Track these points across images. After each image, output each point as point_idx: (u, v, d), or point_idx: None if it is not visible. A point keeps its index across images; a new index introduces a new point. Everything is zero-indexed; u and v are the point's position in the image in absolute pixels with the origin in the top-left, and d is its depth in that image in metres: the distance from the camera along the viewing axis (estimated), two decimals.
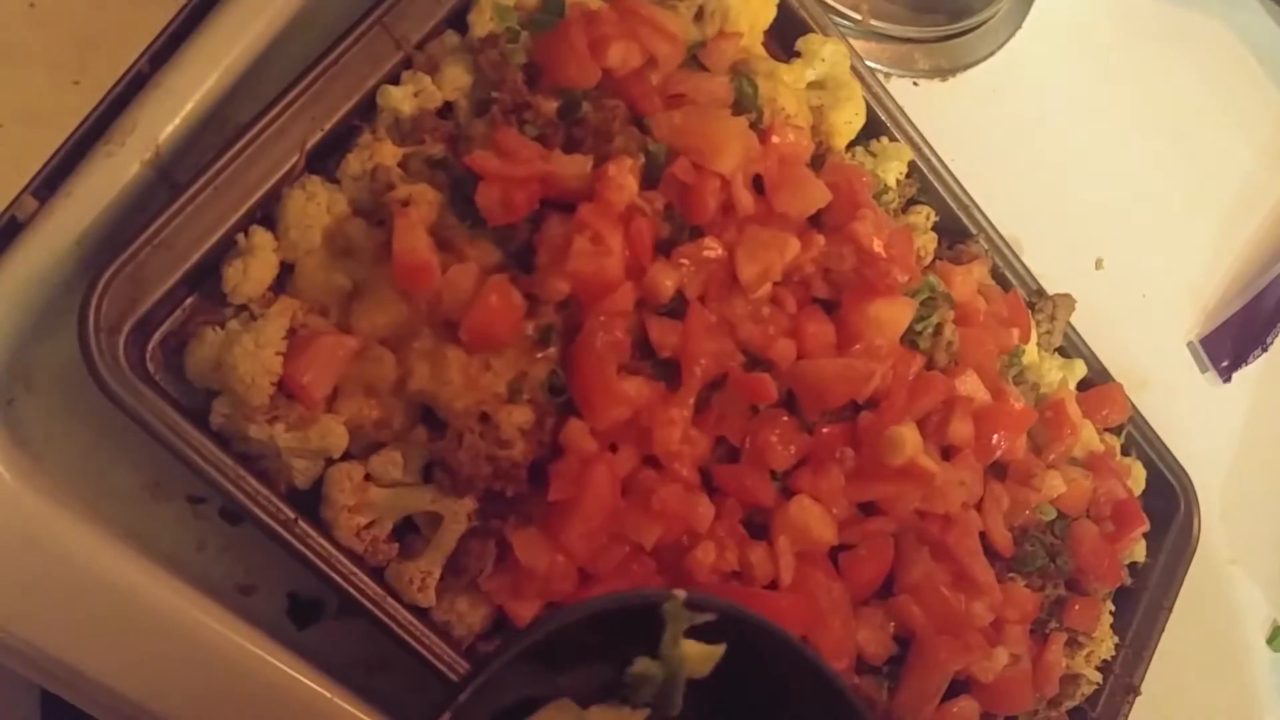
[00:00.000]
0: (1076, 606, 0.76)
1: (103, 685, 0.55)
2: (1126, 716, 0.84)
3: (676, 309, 0.60)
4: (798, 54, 0.72)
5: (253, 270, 0.54)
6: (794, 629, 0.61)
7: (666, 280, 0.59)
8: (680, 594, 0.40)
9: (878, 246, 0.65)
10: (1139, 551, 0.86)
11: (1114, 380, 0.85)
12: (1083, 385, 0.85)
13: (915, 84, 0.87)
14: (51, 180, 0.54)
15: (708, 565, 0.59)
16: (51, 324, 0.54)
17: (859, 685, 0.65)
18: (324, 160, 0.57)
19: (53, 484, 0.54)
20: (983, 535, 0.70)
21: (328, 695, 0.58)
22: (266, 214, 0.56)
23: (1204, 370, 1.03)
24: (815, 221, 0.67)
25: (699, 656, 0.41)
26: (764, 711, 0.47)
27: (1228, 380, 1.02)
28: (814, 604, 0.62)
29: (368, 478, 0.55)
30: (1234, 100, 1.09)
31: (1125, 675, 0.84)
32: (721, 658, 0.43)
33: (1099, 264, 0.96)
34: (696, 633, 0.40)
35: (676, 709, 0.43)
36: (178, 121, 0.56)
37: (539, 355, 0.57)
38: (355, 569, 0.54)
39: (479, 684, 0.38)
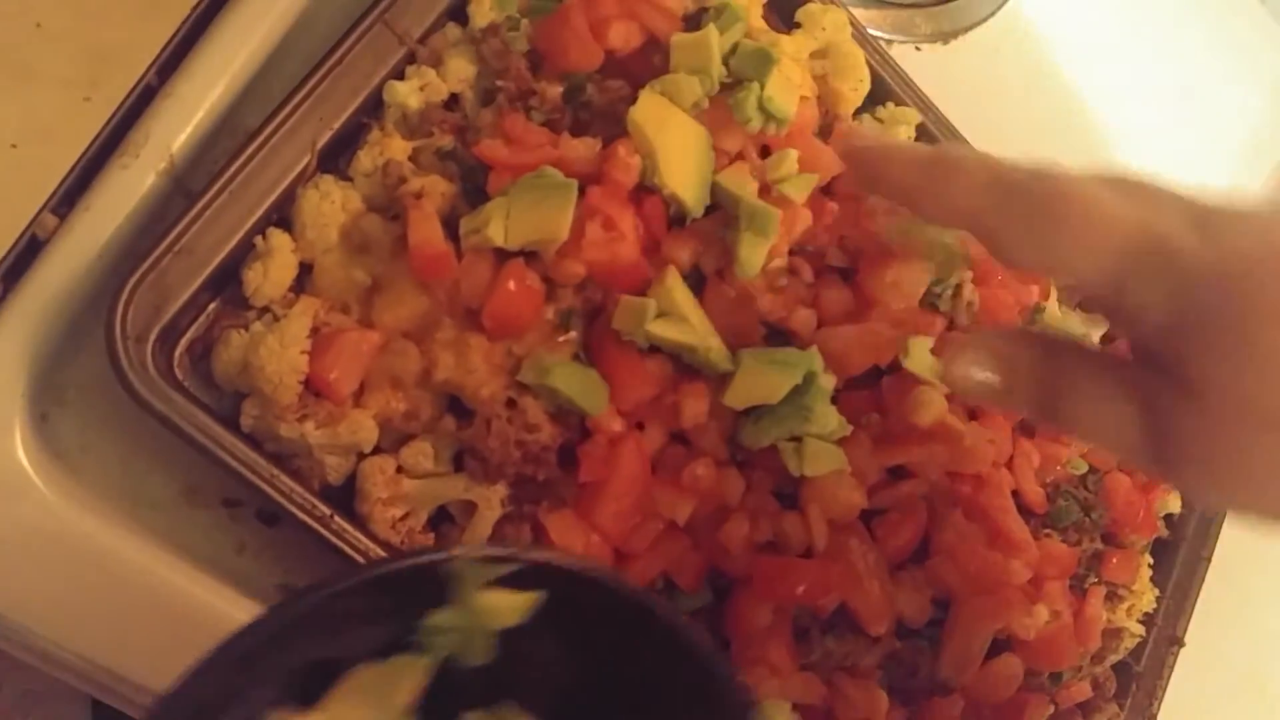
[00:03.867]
0: (1114, 560, 0.76)
1: (153, 691, 0.56)
2: (1171, 668, 0.83)
3: (695, 285, 0.60)
4: (798, 25, 0.72)
5: (272, 272, 0.55)
6: (833, 595, 0.61)
7: (682, 254, 0.59)
8: (463, 551, 0.39)
9: None
10: (1173, 503, 0.86)
11: None
12: (1106, 340, 0.84)
13: (918, 49, 0.87)
14: (69, 196, 0.55)
15: (741, 537, 0.60)
16: (79, 338, 0.54)
17: (900, 651, 0.66)
18: (335, 159, 0.58)
19: (92, 496, 0.54)
20: (1015, 493, 0.70)
21: None
22: (282, 216, 0.56)
23: None
24: (827, 191, 0.67)
25: (507, 606, 0.39)
26: (618, 653, 0.45)
27: None
28: (851, 570, 0.62)
29: (400, 470, 0.56)
30: (1239, 45, 1.08)
31: (1168, 627, 0.84)
32: (548, 606, 0.40)
33: None
34: (511, 582, 0.38)
35: (485, 658, 0.41)
36: (189, 130, 0.56)
37: (561, 339, 0.58)
38: None
39: (207, 668, 0.36)
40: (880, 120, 0.75)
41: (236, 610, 0.56)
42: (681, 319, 0.58)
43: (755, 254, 0.60)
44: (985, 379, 0.45)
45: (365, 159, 0.57)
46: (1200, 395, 0.39)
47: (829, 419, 0.61)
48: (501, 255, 0.56)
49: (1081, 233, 0.40)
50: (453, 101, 0.60)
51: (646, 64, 0.62)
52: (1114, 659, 0.79)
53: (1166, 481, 0.71)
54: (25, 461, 0.53)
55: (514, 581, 0.39)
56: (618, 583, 0.44)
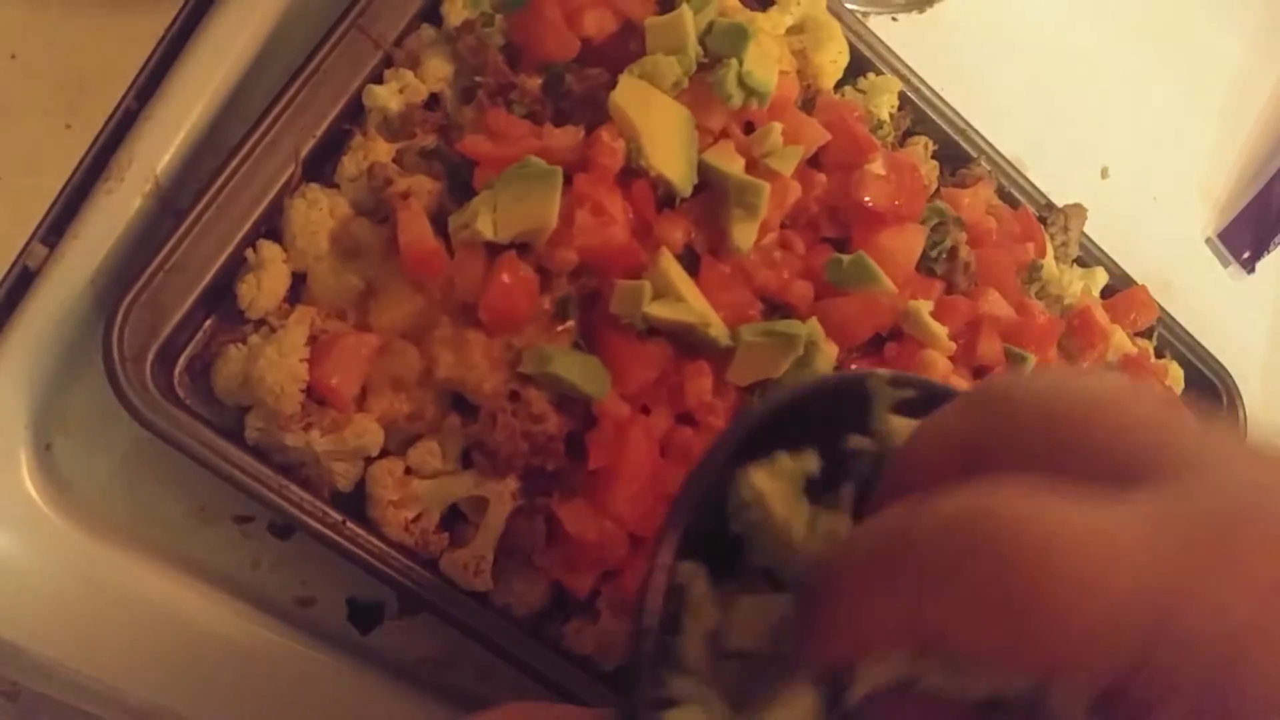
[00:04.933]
0: None
1: (175, 712, 0.55)
2: None
3: (689, 265, 0.60)
4: (773, 2, 0.72)
5: (266, 284, 0.55)
6: None
7: (675, 235, 0.59)
8: (883, 372, 0.39)
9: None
10: None
11: (1137, 284, 0.85)
12: (1106, 293, 0.84)
13: (894, 19, 0.86)
14: (57, 225, 0.55)
15: None
16: (77, 364, 0.54)
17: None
18: (320, 167, 0.58)
19: (102, 521, 0.54)
20: None
21: (401, 696, 0.58)
22: (271, 227, 0.56)
23: (1226, 265, 1.02)
24: (814, 162, 0.67)
25: (907, 431, 0.39)
26: None
27: (1252, 271, 1.01)
28: None
29: (408, 471, 0.55)
30: None
31: None
32: None
33: (1104, 173, 0.95)
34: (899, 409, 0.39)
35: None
36: (173, 150, 0.56)
37: (559, 328, 0.57)
38: (410, 563, 0.55)
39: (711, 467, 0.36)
40: (862, 91, 0.75)
41: (256, 626, 0.56)
42: (678, 299, 0.57)
43: (746, 229, 0.60)
44: None
45: (350, 164, 0.57)
46: None
47: None
48: (493, 249, 0.55)
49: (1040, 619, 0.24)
50: (433, 101, 0.60)
51: (623, 49, 0.62)
52: None
53: None
54: (34, 493, 0.53)
55: (910, 409, 0.39)
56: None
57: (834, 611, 0.29)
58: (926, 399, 0.39)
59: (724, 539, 0.38)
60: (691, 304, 0.57)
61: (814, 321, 0.60)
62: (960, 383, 0.65)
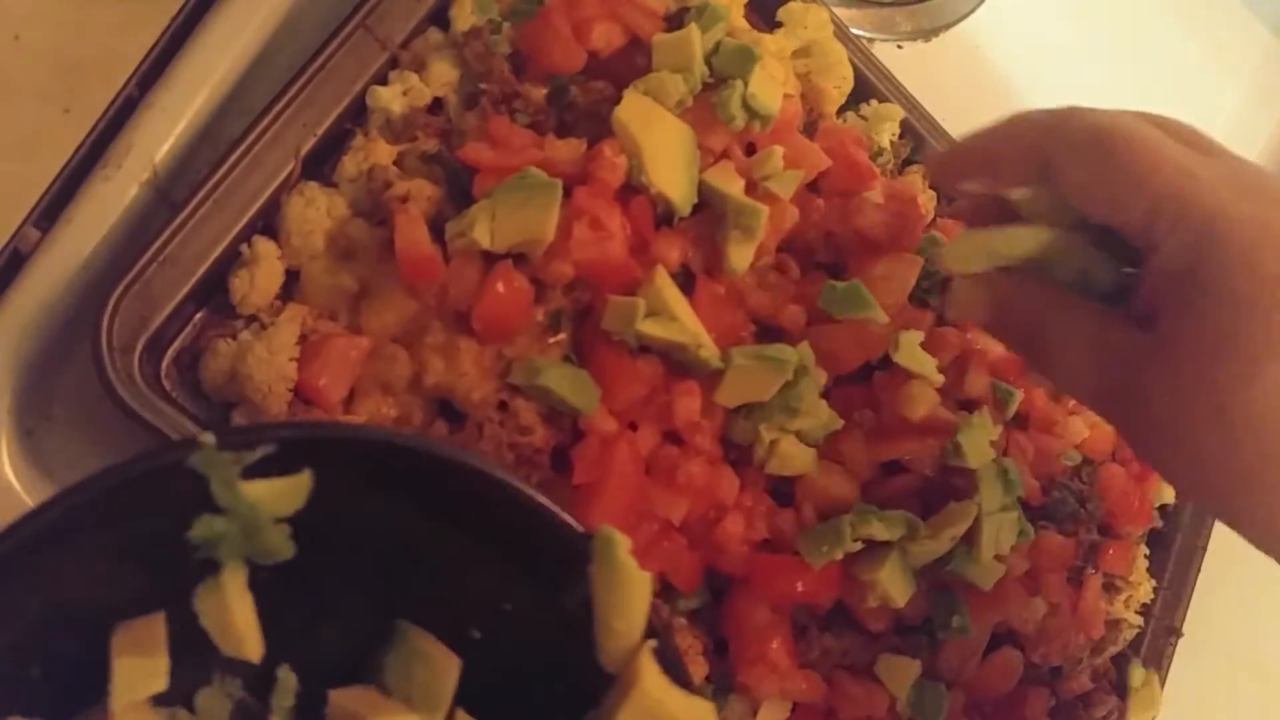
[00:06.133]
0: (1111, 550, 0.76)
1: None
2: (1170, 659, 0.83)
3: (684, 284, 0.60)
4: (780, 24, 0.72)
5: (259, 280, 0.54)
6: (831, 592, 0.61)
7: (671, 254, 0.59)
8: (208, 436, 0.33)
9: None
10: (1168, 493, 0.85)
11: None
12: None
13: (899, 47, 0.87)
14: (51, 210, 0.54)
15: (737, 536, 0.59)
16: (64, 351, 0.54)
17: (900, 648, 0.65)
18: (319, 165, 0.58)
19: None
20: None
21: None
22: (267, 223, 0.56)
23: None
24: (813, 187, 0.67)
25: (277, 493, 0.34)
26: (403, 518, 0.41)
27: None
28: (848, 566, 0.62)
29: None
30: (1217, 37, 1.09)
31: (1166, 618, 0.84)
32: (326, 487, 0.36)
33: None
34: (266, 468, 0.34)
35: (287, 552, 0.37)
36: (172, 141, 0.56)
37: (551, 340, 0.57)
38: None
39: None
40: (864, 118, 0.75)
41: None
42: (672, 318, 0.57)
43: (743, 251, 0.60)
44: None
45: (350, 164, 0.57)
46: (1167, 349, 0.41)
47: (819, 414, 0.61)
48: (489, 258, 0.55)
49: (1130, 166, 0.42)
50: (436, 106, 0.60)
51: (629, 64, 0.62)
52: (1113, 650, 0.78)
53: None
54: (13, 478, 0.53)
55: (281, 465, 0.34)
56: (389, 438, 0.40)
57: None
58: (291, 449, 0.34)
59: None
60: (684, 324, 0.57)
61: (805, 346, 0.60)
62: (948, 416, 0.65)
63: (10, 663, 0.34)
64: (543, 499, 0.41)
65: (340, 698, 0.40)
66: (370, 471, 0.39)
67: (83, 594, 0.35)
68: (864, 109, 0.75)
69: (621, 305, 0.56)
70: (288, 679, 0.41)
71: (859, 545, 0.60)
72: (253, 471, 0.34)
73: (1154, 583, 0.82)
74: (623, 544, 0.41)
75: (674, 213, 0.59)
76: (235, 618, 0.36)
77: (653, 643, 0.41)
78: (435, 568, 0.42)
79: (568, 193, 0.56)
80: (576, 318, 0.58)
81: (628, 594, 0.40)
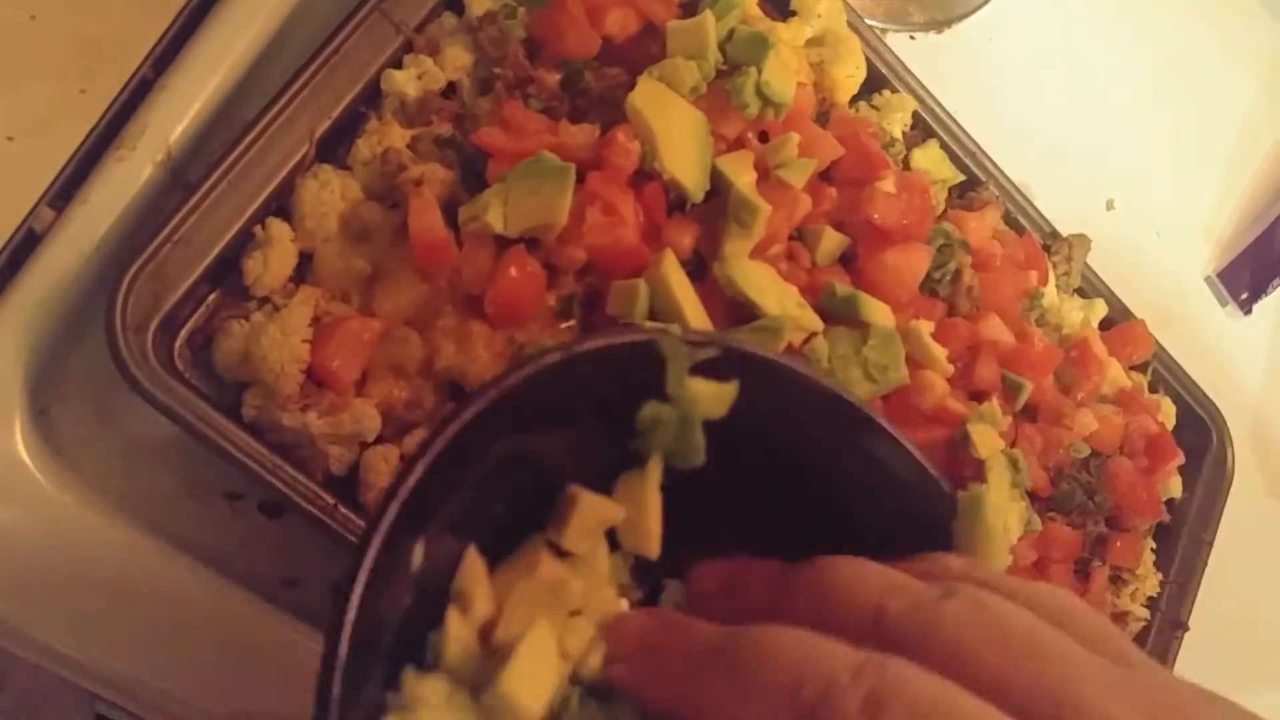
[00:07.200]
0: (1118, 543, 0.76)
1: (158, 689, 0.55)
2: (1176, 653, 0.83)
3: (695, 270, 0.60)
4: (794, 13, 0.72)
5: (272, 262, 0.54)
6: None
7: (683, 240, 0.59)
8: (675, 328, 0.35)
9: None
10: (1174, 487, 0.86)
11: (1136, 318, 0.85)
12: (1104, 325, 0.84)
13: (912, 38, 0.87)
14: (66, 189, 0.54)
15: None
16: (78, 331, 0.54)
17: None
18: (334, 148, 0.58)
19: (92, 490, 0.54)
20: None
21: None
22: (281, 205, 0.56)
23: (1224, 304, 1.02)
24: (826, 176, 0.67)
25: (711, 395, 0.35)
26: (790, 456, 0.41)
27: (1249, 312, 1.02)
28: None
29: (403, 459, 0.55)
30: (1231, 32, 1.09)
31: (1172, 611, 0.84)
32: (736, 403, 0.36)
33: (1110, 205, 0.96)
34: (701, 372, 0.35)
35: (700, 457, 0.37)
36: (186, 122, 0.56)
37: (562, 325, 0.57)
38: None
39: (430, 461, 0.31)
40: (876, 108, 0.75)
41: (240, 604, 0.56)
42: (674, 303, 0.57)
43: (738, 246, 0.60)
44: None
45: (364, 147, 0.57)
46: None
47: None
48: (502, 242, 0.55)
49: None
50: (450, 90, 0.60)
51: (644, 51, 0.62)
52: None
53: None
54: (25, 456, 0.53)
55: (710, 371, 0.36)
56: (811, 374, 0.39)
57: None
58: (728, 359, 0.36)
59: (492, 510, 0.35)
60: (686, 310, 0.57)
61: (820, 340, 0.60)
62: (958, 406, 0.65)
63: (483, 490, 0.35)
64: (920, 456, 0.41)
65: None
66: (783, 404, 0.39)
67: (542, 447, 0.37)
68: (875, 99, 0.75)
69: (624, 289, 0.56)
70: (674, 593, 0.40)
71: None
72: (696, 370, 0.36)
73: (1160, 576, 0.82)
74: (992, 507, 0.41)
75: (687, 199, 0.59)
76: (648, 513, 0.37)
77: None
78: (817, 510, 0.41)
79: (581, 178, 0.56)
80: (587, 303, 0.58)
81: (987, 555, 0.40)
